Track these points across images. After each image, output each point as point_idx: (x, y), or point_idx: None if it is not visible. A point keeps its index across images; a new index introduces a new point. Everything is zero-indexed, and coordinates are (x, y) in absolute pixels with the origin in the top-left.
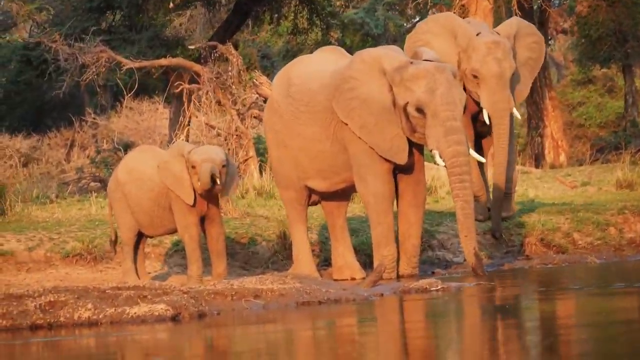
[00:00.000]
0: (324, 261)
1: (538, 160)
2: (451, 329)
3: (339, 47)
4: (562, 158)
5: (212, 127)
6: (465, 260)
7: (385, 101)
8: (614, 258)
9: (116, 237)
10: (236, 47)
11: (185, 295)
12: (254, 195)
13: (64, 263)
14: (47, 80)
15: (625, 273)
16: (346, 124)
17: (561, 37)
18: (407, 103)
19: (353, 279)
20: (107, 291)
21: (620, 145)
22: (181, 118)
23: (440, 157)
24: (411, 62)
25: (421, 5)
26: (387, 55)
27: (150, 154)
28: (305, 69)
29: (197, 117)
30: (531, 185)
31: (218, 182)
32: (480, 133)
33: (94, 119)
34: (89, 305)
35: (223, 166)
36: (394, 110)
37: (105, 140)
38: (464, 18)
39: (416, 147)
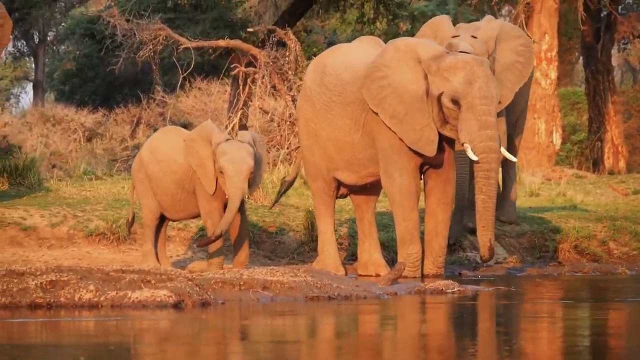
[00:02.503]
0: (351, 255)
1: (597, 164)
2: (442, 331)
3: (377, 38)
4: (622, 164)
5: (266, 112)
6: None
7: (418, 90)
8: None
9: (133, 218)
10: (308, 32)
11: (190, 283)
12: (298, 184)
13: (86, 242)
14: (106, 55)
15: None
16: (376, 114)
17: (637, 42)
18: (442, 93)
19: (377, 275)
20: (110, 273)
21: None
22: (235, 101)
23: (472, 150)
24: (447, 53)
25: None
26: (422, 43)
27: (175, 135)
28: (340, 58)
29: (251, 101)
30: (582, 190)
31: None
32: None
33: (163, 97)
34: (91, 287)
35: (250, 172)
36: (426, 100)
37: (171, 120)
38: (528, 17)
39: (448, 144)
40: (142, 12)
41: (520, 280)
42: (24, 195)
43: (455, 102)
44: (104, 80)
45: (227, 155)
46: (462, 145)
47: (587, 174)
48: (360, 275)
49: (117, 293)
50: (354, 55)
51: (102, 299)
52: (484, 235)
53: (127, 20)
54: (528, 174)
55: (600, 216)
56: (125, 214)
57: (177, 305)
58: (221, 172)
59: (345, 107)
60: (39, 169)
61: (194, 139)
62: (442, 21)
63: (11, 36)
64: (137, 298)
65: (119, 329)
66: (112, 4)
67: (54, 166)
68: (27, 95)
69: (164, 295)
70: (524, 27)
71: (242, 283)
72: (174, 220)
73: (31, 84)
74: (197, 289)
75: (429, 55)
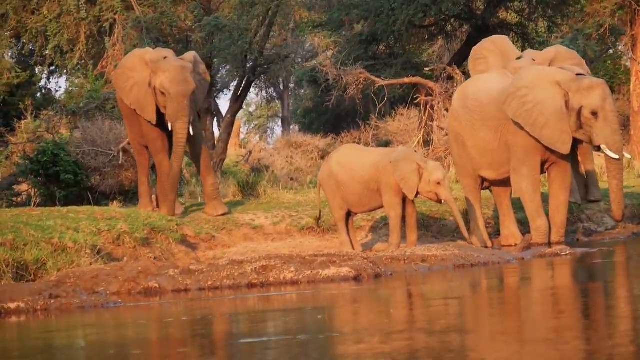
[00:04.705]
0: (496, 232)
1: None
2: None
3: (505, 70)
4: None
5: (442, 129)
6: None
7: (557, 104)
8: None
9: (320, 215)
10: None
11: (366, 260)
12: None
13: (299, 234)
14: (323, 95)
15: None
16: (516, 124)
17: None
18: (582, 106)
19: (516, 244)
20: (306, 258)
21: None
22: (420, 122)
23: (610, 150)
24: (578, 75)
25: (601, 35)
26: (557, 70)
27: (356, 150)
28: (478, 86)
29: (432, 121)
30: None
31: None
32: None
33: (376, 122)
34: (292, 269)
35: None
36: (565, 111)
37: (379, 139)
38: (633, 45)
39: (574, 144)
40: (346, 62)
41: (623, 243)
42: (253, 202)
43: (594, 113)
44: (333, 113)
45: (440, 171)
46: (599, 146)
47: None
48: (504, 246)
49: (311, 272)
50: (489, 83)
51: (300, 277)
52: (619, 208)
53: (338, 68)
54: (638, 162)
55: None
56: (327, 212)
57: (356, 278)
58: (438, 183)
59: (485, 123)
60: (276, 182)
61: (399, 160)
62: (508, 43)
63: (264, 86)
64: (326, 274)
65: (315, 298)
66: (330, 56)
67: (292, 179)
68: (278, 129)
69: (346, 271)
70: (631, 53)
71: (406, 258)
72: (356, 213)
73: (280, 119)
74: (372, 264)
75: (567, 78)
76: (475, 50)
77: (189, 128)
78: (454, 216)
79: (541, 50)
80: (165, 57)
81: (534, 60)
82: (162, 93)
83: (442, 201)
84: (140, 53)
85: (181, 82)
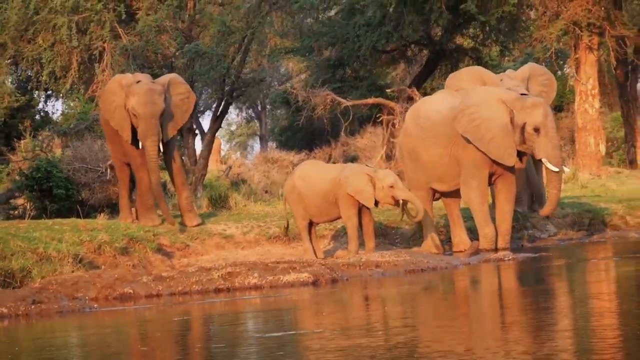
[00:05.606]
0: (447, 239)
1: (632, 164)
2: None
3: (453, 91)
4: None
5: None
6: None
7: (503, 121)
8: None
9: (288, 225)
10: (438, 88)
11: (324, 267)
12: None
13: (267, 243)
14: (293, 115)
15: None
16: (465, 139)
17: None
18: (526, 123)
19: (465, 250)
20: (269, 264)
21: None
22: (383, 138)
23: (550, 163)
24: (521, 95)
25: (548, 58)
26: (502, 90)
27: (317, 166)
28: (429, 106)
29: (393, 137)
30: (618, 181)
31: None
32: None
33: (345, 140)
34: (256, 274)
35: None
36: (511, 128)
37: (347, 155)
38: (577, 68)
39: (520, 157)
40: (315, 85)
41: (563, 248)
42: (225, 214)
43: (536, 129)
44: (307, 132)
45: (391, 176)
46: (540, 160)
47: (624, 170)
48: (455, 252)
49: (273, 277)
50: (439, 104)
51: (263, 282)
52: (550, 209)
53: (307, 91)
54: (582, 173)
55: (621, 198)
56: (292, 222)
57: (314, 283)
58: (391, 186)
59: (436, 140)
60: (251, 195)
61: (350, 176)
62: (483, 71)
63: (243, 107)
64: (287, 280)
65: (276, 302)
66: (302, 79)
67: (266, 192)
68: (257, 145)
69: (305, 276)
70: (575, 75)
71: (361, 264)
72: (318, 223)
73: (258, 137)
74: (329, 270)
75: (511, 98)
76: (451, 81)
77: (158, 145)
78: (416, 208)
79: (495, 72)
80: (138, 81)
81: (512, 78)
82: (134, 115)
83: (401, 202)
84: (119, 78)
85: (148, 104)
